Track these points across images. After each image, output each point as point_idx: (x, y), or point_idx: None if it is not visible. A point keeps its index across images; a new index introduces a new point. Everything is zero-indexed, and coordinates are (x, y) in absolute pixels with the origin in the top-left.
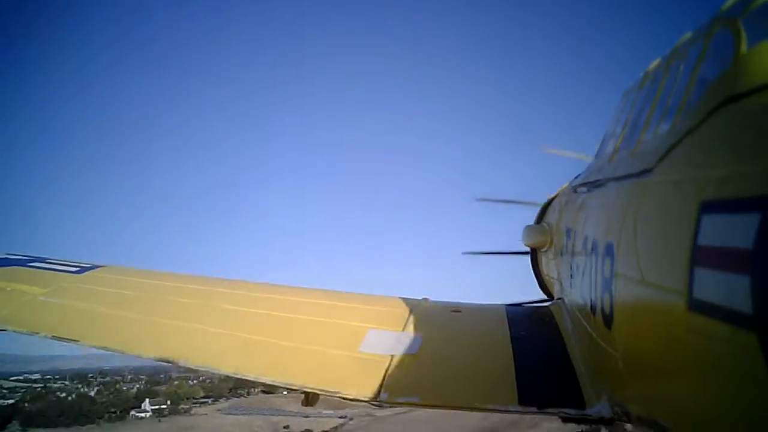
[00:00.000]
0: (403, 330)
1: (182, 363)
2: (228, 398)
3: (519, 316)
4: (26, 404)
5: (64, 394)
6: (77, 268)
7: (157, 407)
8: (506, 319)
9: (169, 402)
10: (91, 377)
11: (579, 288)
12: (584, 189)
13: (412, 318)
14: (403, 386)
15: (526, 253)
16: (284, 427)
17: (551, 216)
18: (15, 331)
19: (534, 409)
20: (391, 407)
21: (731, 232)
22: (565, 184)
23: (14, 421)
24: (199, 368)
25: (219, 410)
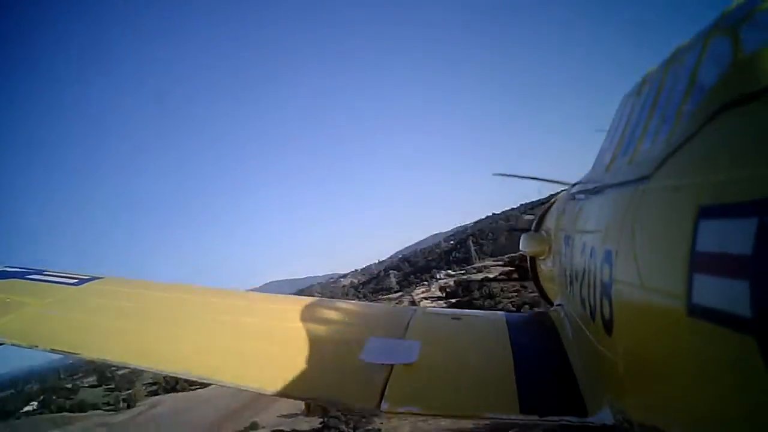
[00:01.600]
0: (404, 338)
1: (182, 374)
2: None
3: (519, 323)
4: None
5: None
6: (76, 280)
7: None
8: (506, 327)
9: None
10: None
11: (578, 294)
12: (582, 196)
13: (412, 326)
14: (404, 395)
15: (559, 182)
16: None
17: (549, 223)
18: (13, 345)
19: (535, 417)
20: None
21: (729, 237)
22: (563, 191)
23: None
24: (200, 380)
25: None
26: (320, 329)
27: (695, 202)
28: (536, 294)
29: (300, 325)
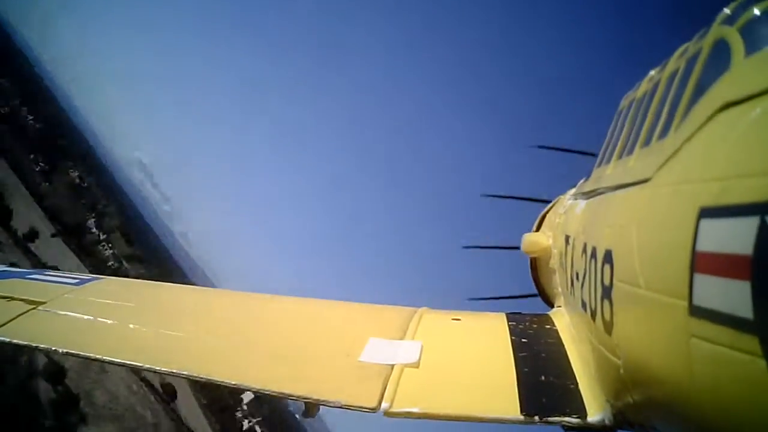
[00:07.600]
0: (404, 339)
1: (184, 373)
2: None
3: (520, 324)
4: None
5: None
6: (77, 280)
7: None
8: (507, 327)
9: None
10: None
11: (579, 295)
12: (584, 197)
13: (412, 327)
14: (404, 396)
15: (544, 201)
16: None
17: (550, 224)
18: (14, 344)
19: (536, 418)
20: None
21: (730, 238)
22: (564, 193)
23: None
24: (201, 378)
25: None
26: (320, 329)
27: (696, 203)
28: None
29: (299, 324)
